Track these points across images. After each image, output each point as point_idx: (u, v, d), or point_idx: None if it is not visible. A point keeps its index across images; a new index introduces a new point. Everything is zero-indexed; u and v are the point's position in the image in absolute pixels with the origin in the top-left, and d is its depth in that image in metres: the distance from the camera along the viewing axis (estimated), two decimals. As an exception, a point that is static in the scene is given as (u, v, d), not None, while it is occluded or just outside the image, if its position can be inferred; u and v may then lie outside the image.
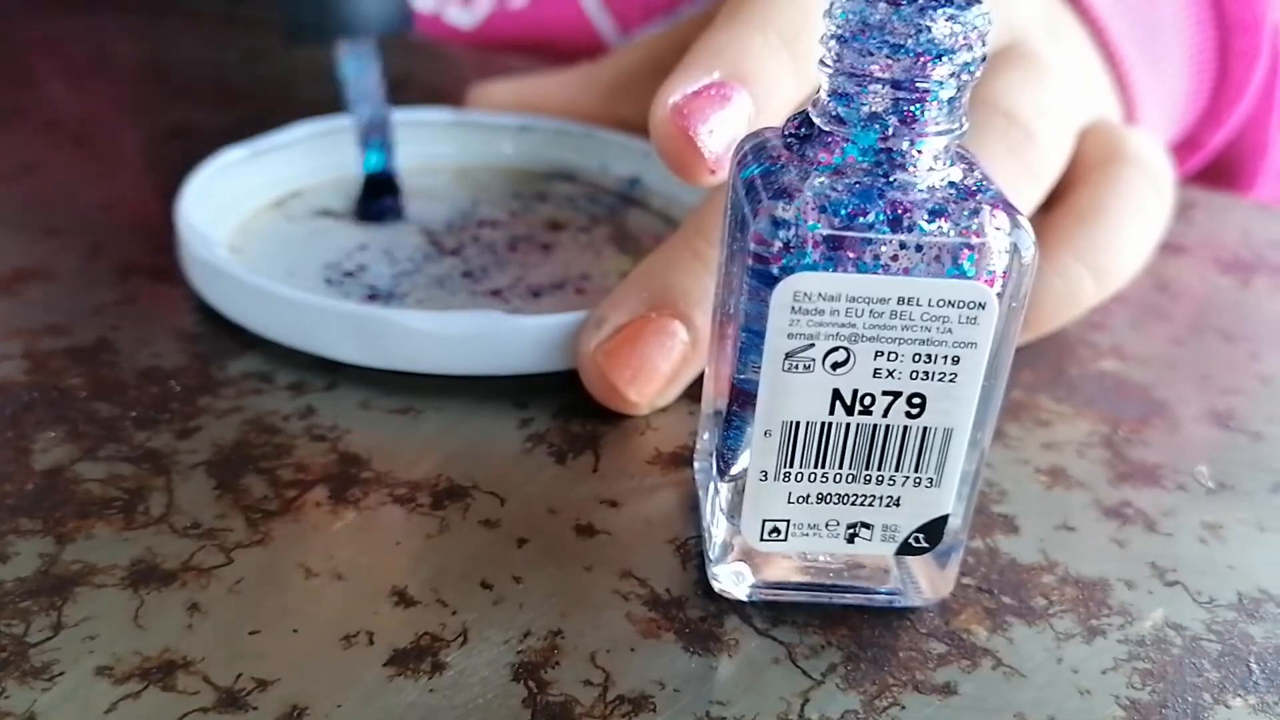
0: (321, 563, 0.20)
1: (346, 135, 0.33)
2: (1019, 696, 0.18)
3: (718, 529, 0.19)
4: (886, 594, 0.20)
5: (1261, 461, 0.25)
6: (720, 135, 0.21)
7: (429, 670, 0.18)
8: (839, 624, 0.20)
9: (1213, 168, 0.41)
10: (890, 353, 0.17)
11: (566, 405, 0.25)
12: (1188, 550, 0.22)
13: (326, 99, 0.34)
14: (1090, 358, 0.28)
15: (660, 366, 0.24)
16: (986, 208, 0.17)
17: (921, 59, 0.16)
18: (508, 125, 0.35)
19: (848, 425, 0.18)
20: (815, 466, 0.18)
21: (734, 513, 0.19)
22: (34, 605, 0.19)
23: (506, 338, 0.25)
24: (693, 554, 0.21)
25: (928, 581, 0.20)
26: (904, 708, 0.18)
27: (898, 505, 0.19)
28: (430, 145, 0.35)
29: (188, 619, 0.19)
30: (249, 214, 0.31)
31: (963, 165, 0.18)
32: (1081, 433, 0.25)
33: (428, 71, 0.44)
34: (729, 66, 0.22)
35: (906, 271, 0.17)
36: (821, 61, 0.17)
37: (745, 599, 0.20)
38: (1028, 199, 0.26)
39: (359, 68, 0.30)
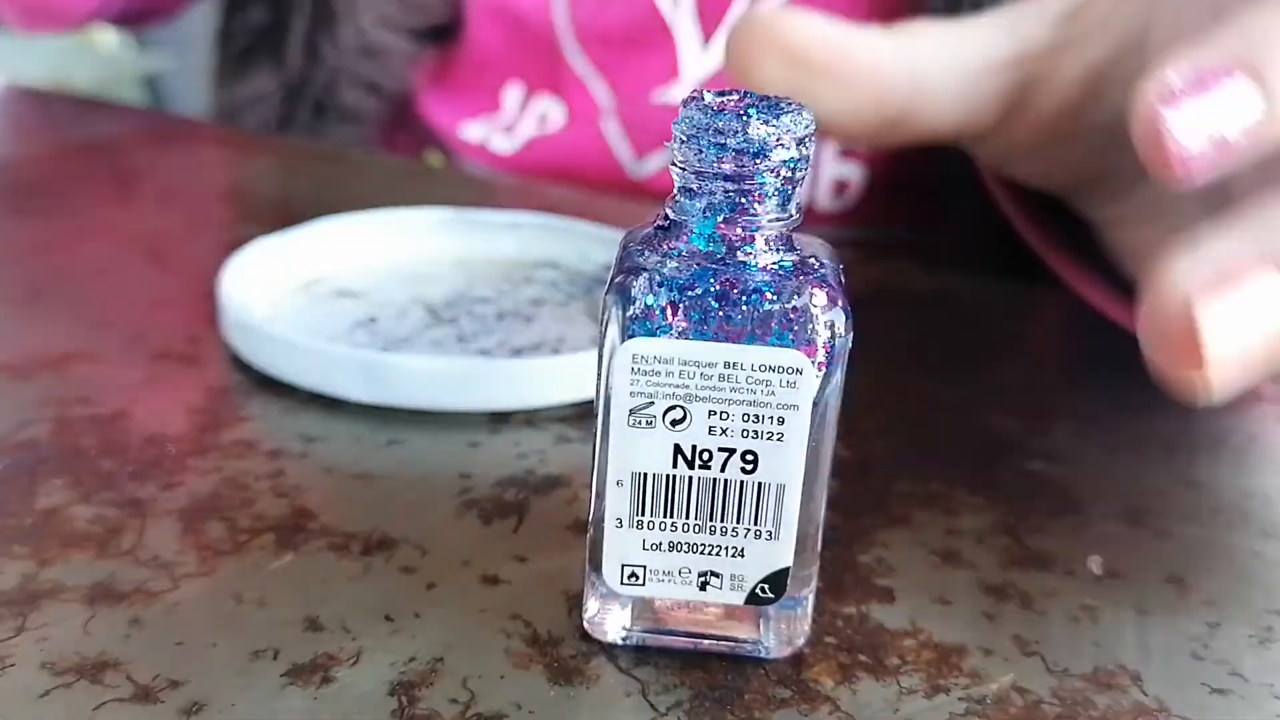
0: (252, 593, 0.23)
1: (366, 228, 0.39)
2: (849, 739, 0.20)
3: (588, 578, 0.22)
4: (749, 643, 0.22)
5: (1162, 556, 0.26)
6: (1201, 130, 0.18)
7: (319, 682, 0.21)
8: (697, 668, 0.21)
9: None
10: (722, 412, 0.20)
11: (504, 478, 0.27)
12: (1058, 627, 0.23)
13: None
14: (1020, 459, 0.30)
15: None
16: (809, 286, 0.20)
17: (743, 156, 0.19)
18: (499, 222, 0.40)
19: (690, 478, 0.20)
20: (664, 516, 0.20)
21: (597, 560, 0.21)
22: (6, 612, 0.22)
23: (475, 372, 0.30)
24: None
25: (786, 630, 0.22)
26: (735, 740, 0.20)
27: (742, 556, 0.21)
28: (430, 240, 0.40)
29: (127, 630, 0.22)
30: (279, 293, 0.36)
31: (797, 254, 0.20)
32: (987, 522, 0.27)
33: (465, 198, 0.48)
34: (1245, 51, 0.19)
35: (736, 340, 0.19)
36: (672, 163, 0.20)
37: (619, 641, 0.22)
38: None
39: None
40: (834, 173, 0.51)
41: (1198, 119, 0.18)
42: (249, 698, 0.20)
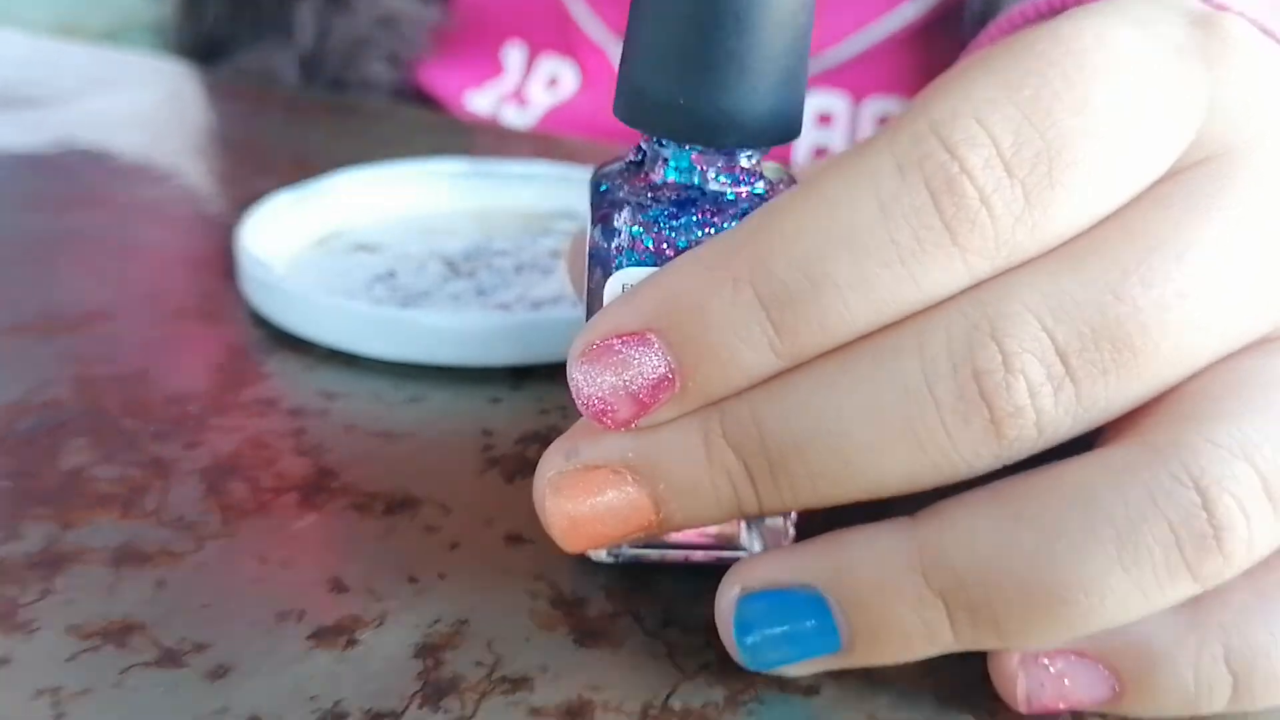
0: (276, 553, 0.23)
1: (381, 181, 0.38)
2: (877, 699, 0.20)
3: None
4: (733, 552, 0.22)
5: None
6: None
7: (344, 645, 0.20)
8: (724, 629, 0.21)
9: None
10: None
11: (527, 434, 0.27)
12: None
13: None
14: None
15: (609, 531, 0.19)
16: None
17: None
18: (516, 174, 0.40)
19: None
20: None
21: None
22: (31, 575, 0.22)
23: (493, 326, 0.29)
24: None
25: (773, 541, 0.22)
26: (762, 702, 0.19)
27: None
28: (447, 192, 0.39)
29: (153, 592, 0.22)
30: (296, 249, 0.36)
31: (767, 182, 0.20)
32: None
33: (481, 149, 0.48)
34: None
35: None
36: None
37: (607, 560, 0.22)
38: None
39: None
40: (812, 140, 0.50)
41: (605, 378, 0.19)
42: (274, 661, 0.20)
